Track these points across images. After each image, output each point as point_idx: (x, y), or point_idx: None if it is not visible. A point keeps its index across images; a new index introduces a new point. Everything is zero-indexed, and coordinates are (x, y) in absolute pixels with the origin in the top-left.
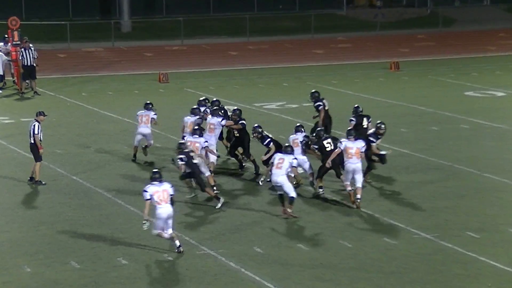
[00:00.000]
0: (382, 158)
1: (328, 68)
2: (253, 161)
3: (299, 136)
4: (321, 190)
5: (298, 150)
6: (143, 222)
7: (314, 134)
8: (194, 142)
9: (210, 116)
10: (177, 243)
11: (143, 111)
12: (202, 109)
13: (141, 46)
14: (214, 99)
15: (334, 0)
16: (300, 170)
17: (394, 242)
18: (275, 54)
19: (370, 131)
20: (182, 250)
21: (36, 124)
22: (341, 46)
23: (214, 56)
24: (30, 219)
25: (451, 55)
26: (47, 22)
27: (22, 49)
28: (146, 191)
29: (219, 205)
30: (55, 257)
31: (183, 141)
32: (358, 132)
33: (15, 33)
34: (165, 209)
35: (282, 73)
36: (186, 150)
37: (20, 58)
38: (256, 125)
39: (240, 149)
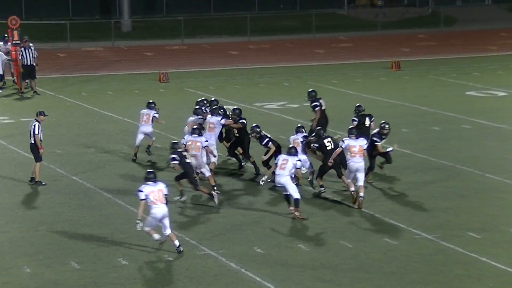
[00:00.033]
0: (388, 158)
1: (329, 68)
2: (253, 163)
3: (300, 137)
4: (322, 189)
5: (298, 150)
6: (137, 221)
7: (313, 134)
8: (195, 142)
9: (209, 115)
10: (177, 243)
11: (146, 110)
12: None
13: (141, 45)
14: (213, 98)
15: None
16: (303, 170)
17: (395, 242)
18: (276, 53)
19: (374, 131)
20: (182, 250)
21: (36, 124)
22: (342, 46)
23: (214, 56)
24: (30, 219)
25: (452, 55)
26: (47, 22)
27: (22, 49)
28: (142, 191)
29: (216, 200)
30: (55, 257)
31: (175, 141)
32: (360, 131)
33: (15, 32)
34: (160, 209)
35: (283, 73)
36: (179, 150)
37: (20, 57)
38: (254, 125)
39: (240, 149)
